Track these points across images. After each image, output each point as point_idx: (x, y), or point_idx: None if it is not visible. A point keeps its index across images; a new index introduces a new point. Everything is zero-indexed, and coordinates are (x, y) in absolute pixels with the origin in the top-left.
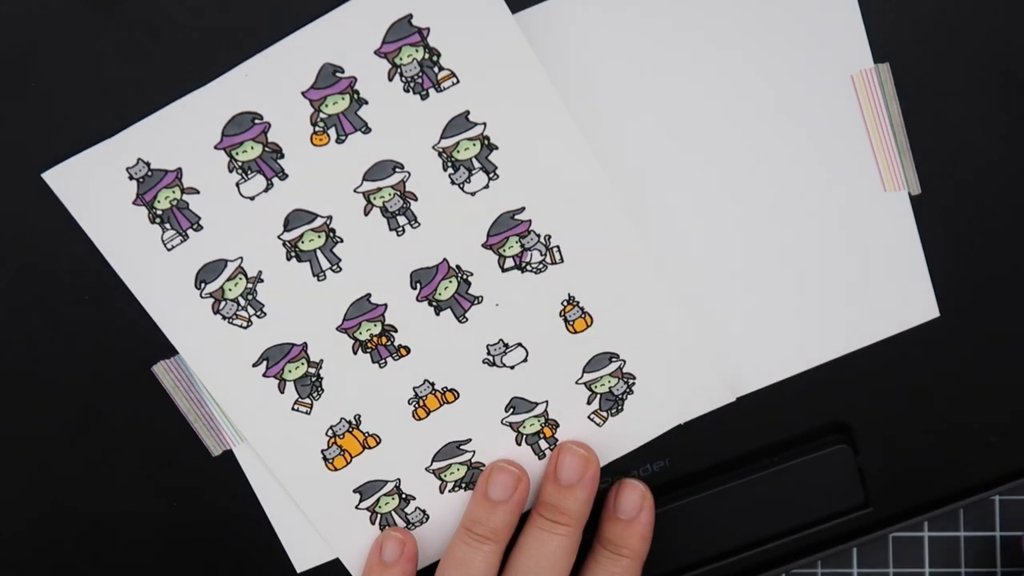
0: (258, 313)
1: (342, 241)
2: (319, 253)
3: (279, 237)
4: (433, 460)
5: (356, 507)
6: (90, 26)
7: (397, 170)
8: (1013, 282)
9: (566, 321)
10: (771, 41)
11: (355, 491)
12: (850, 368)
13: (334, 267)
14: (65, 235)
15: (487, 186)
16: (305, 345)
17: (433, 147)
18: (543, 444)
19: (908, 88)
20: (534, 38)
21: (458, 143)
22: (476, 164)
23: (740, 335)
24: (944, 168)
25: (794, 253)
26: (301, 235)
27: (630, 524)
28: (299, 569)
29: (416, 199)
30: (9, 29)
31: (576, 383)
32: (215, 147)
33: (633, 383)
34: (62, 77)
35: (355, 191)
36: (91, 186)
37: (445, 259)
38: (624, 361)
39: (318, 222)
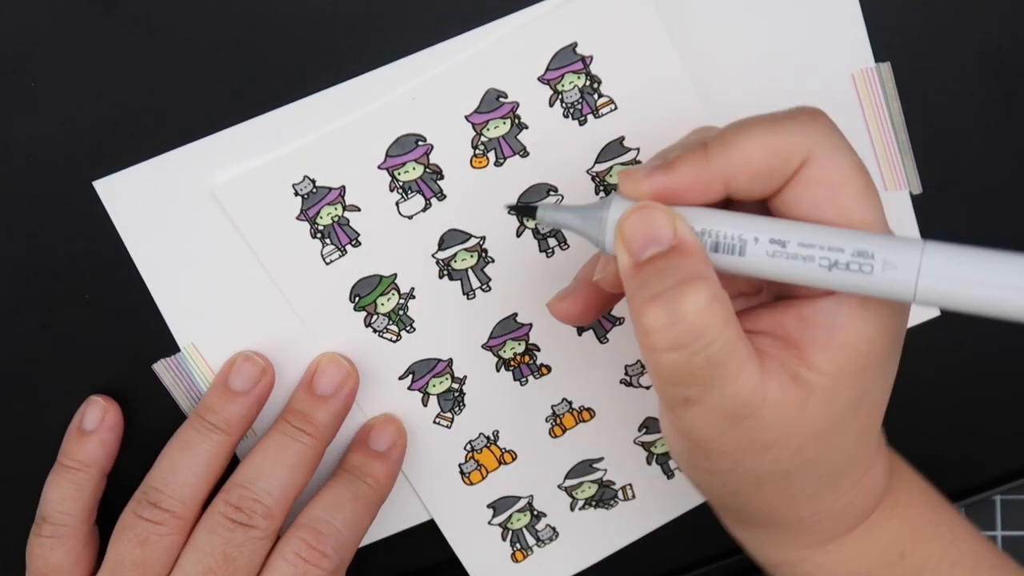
0: (407, 328)
1: (493, 261)
2: (471, 272)
3: (433, 256)
4: (566, 478)
5: (489, 522)
6: (91, 25)
7: (551, 193)
8: None
9: None
10: (772, 40)
11: (489, 506)
12: None
13: (484, 286)
14: (64, 233)
15: None
16: (451, 361)
17: (587, 171)
18: (672, 464)
19: (909, 87)
20: None
21: (611, 168)
22: None
23: None
24: (945, 167)
25: None
26: (455, 254)
27: (380, 456)
28: None
29: None
30: (9, 29)
31: None
32: (378, 167)
33: None
34: (62, 77)
35: (508, 213)
36: (257, 201)
37: None
38: None
39: (472, 242)
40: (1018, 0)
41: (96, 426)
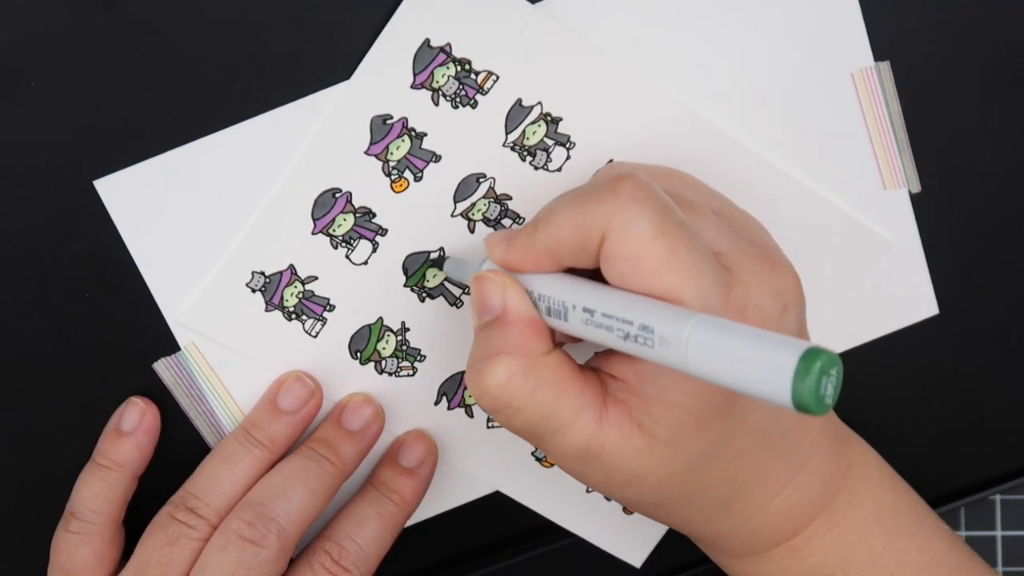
0: (418, 359)
1: None
2: (447, 284)
3: (405, 286)
4: None
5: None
6: (91, 25)
7: (481, 180)
8: (1012, 279)
9: None
10: (771, 39)
11: None
12: (849, 365)
13: (465, 291)
14: (64, 233)
15: (569, 157)
16: None
17: (503, 145)
18: None
19: (908, 86)
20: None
21: (524, 131)
22: (549, 142)
23: None
24: (944, 166)
25: (793, 250)
26: (424, 275)
27: (409, 473)
28: None
29: (511, 198)
30: (9, 29)
31: None
32: (312, 233)
33: None
34: (62, 77)
35: (452, 216)
36: (223, 313)
37: None
38: None
39: (433, 257)
40: None
41: (133, 428)
